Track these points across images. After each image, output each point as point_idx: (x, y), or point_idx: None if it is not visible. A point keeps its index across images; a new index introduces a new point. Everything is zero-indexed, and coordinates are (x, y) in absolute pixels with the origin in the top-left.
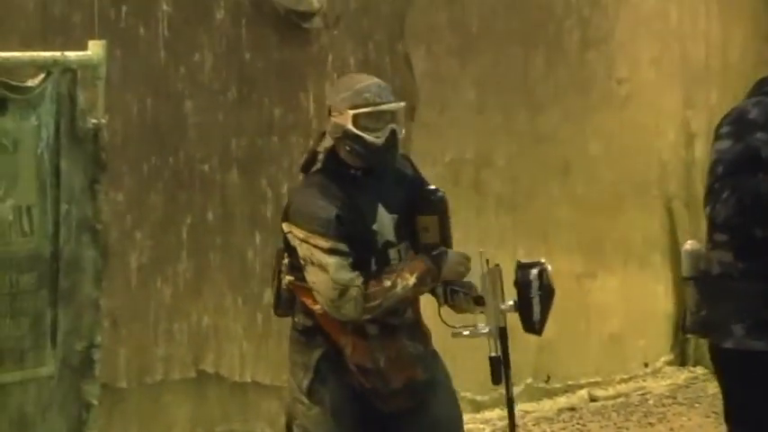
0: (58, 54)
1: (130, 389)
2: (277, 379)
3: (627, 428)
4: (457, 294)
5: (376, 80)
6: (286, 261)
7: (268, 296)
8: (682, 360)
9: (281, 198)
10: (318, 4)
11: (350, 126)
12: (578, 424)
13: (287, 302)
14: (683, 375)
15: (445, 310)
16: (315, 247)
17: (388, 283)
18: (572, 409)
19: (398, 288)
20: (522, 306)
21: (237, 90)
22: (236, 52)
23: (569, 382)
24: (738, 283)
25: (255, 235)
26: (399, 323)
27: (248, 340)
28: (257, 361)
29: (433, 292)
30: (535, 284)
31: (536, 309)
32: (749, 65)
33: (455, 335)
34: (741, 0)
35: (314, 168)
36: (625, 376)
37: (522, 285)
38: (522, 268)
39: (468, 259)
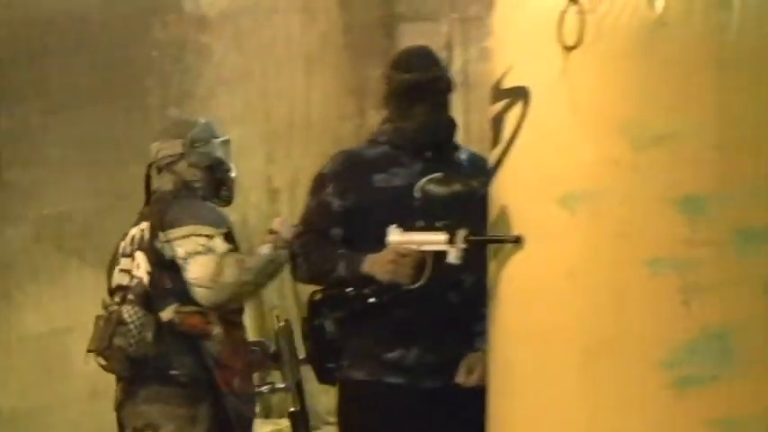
0: None
1: None
2: None
3: None
4: (254, 354)
5: None
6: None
7: None
8: (266, 413)
9: None
10: None
11: None
12: None
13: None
14: (267, 428)
15: None
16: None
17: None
18: None
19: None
20: (316, 356)
21: None
22: None
23: None
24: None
25: None
26: None
27: None
28: None
29: None
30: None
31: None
32: (333, 118)
33: (257, 393)
34: (326, 54)
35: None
36: None
37: (314, 335)
38: (311, 320)
39: None
